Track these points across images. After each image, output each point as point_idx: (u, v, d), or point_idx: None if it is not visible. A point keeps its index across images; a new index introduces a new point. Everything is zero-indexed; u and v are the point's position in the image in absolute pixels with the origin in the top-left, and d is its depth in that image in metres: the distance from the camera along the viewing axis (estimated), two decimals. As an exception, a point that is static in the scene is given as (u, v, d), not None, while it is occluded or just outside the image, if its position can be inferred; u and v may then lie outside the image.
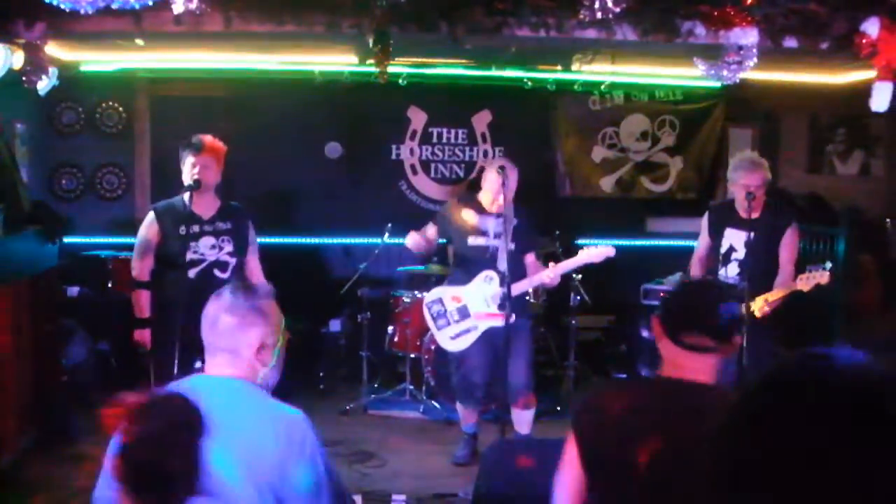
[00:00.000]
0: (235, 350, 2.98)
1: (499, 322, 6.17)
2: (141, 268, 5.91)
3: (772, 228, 6.11)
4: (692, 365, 2.83)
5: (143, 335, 5.86)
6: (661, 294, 6.43)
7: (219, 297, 3.05)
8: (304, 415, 2.94)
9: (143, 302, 5.88)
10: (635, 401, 2.85)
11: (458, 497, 6.05)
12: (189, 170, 5.80)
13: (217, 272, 5.85)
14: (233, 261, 5.95)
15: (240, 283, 3.12)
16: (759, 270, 6.01)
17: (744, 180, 6.00)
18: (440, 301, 6.65)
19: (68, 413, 6.79)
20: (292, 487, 2.76)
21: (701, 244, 6.54)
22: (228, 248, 5.93)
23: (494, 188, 6.39)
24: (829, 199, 9.69)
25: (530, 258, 6.62)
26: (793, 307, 5.99)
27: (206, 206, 5.93)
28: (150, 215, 5.94)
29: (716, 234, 6.36)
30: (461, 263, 6.62)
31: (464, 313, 6.54)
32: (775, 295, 5.89)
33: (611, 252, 6.38)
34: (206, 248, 5.86)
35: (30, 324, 6.46)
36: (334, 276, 9.19)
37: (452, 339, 6.57)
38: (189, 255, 5.78)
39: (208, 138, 5.93)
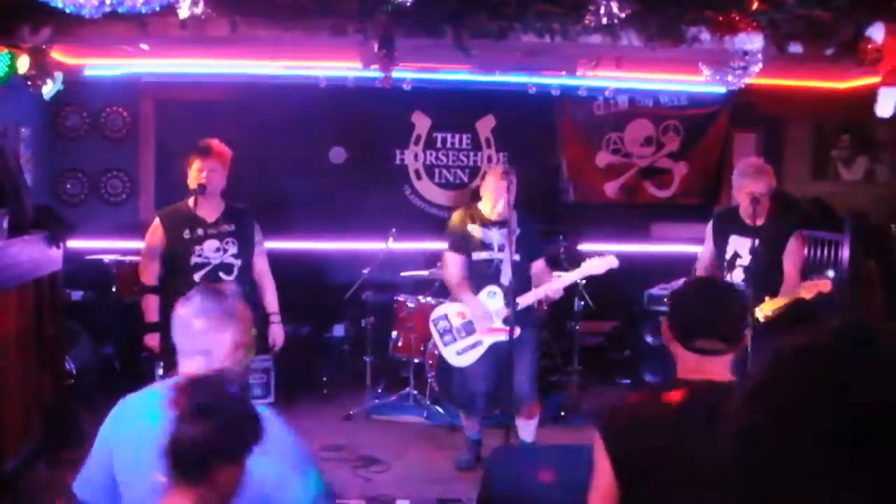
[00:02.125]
0: (209, 352, 3.02)
1: (504, 337, 6.19)
2: (148, 273, 5.96)
3: (776, 236, 6.08)
4: (706, 367, 2.87)
5: (153, 339, 5.89)
6: (667, 298, 6.47)
7: (188, 301, 3.11)
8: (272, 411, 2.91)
9: (151, 307, 5.93)
10: (669, 407, 2.86)
11: (462, 502, 6.05)
12: (196, 174, 5.82)
13: (222, 275, 5.88)
14: (238, 262, 5.96)
15: (207, 286, 3.15)
16: (764, 277, 5.99)
17: (749, 187, 5.96)
18: (446, 317, 6.66)
19: (73, 417, 6.79)
20: (290, 492, 2.80)
21: (705, 251, 6.51)
22: (233, 249, 5.95)
23: (495, 193, 6.39)
24: (834, 204, 9.68)
25: (539, 265, 6.61)
26: (799, 311, 5.98)
27: (211, 210, 5.96)
28: (155, 221, 5.99)
29: (720, 241, 6.33)
30: (468, 277, 6.58)
31: (469, 329, 6.55)
32: (779, 302, 5.87)
33: (614, 264, 6.38)
34: (211, 252, 5.88)
35: (34, 328, 6.46)
36: (338, 281, 9.18)
37: (459, 354, 6.59)
38: (193, 259, 5.83)
39: (215, 143, 5.96)
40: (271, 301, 6.20)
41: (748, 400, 1.12)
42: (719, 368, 2.87)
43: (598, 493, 2.90)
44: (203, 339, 3.03)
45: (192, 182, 5.84)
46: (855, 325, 1.09)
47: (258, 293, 6.13)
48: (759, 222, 5.97)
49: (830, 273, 5.83)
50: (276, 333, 6.23)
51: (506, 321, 6.20)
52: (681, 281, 8.05)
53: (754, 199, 5.90)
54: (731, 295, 3.05)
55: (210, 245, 5.89)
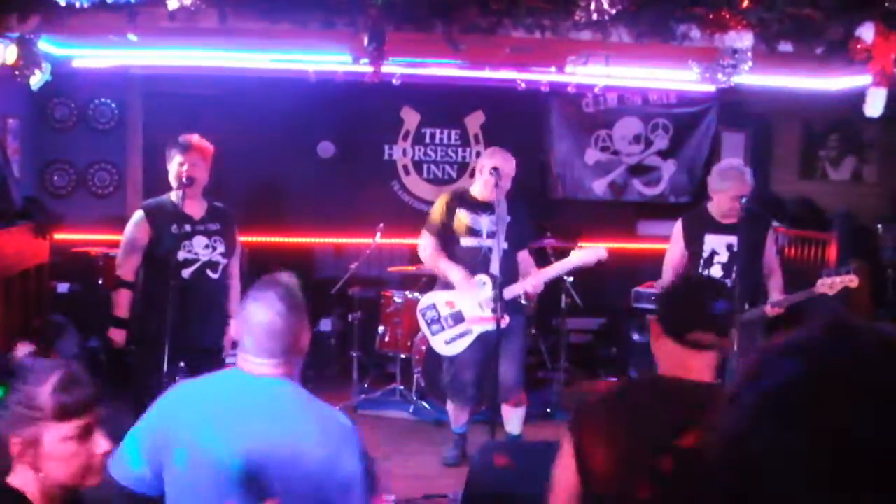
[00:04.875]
0: (289, 350, 2.99)
1: (493, 325, 6.17)
2: (127, 267, 5.81)
3: (753, 232, 6.19)
4: (695, 363, 2.84)
5: (119, 335, 5.78)
6: (655, 295, 6.45)
7: (263, 301, 2.98)
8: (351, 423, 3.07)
9: (123, 301, 5.78)
10: (644, 405, 2.85)
11: (448, 498, 6.05)
12: (176, 168, 5.73)
13: (209, 272, 5.80)
14: (224, 261, 5.90)
15: (279, 282, 3.05)
16: (746, 273, 6.10)
17: (735, 190, 6.07)
18: (434, 307, 6.62)
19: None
20: (339, 485, 2.89)
21: (674, 252, 6.56)
22: (221, 248, 5.88)
23: (487, 186, 6.40)
24: (821, 204, 9.70)
25: (522, 255, 6.61)
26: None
27: (196, 207, 5.87)
28: (139, 214, 5.83)
29: (693, 241, 6.40)
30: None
31: (458, 318, 6.52)
32: (791, 299, 5.98)
33: (603, 254, 6.38)
34: (200, 248, 5.80)
35: (20, 320, 6.44)
36: (325, 276, 9.17)
37: (447, 343, 6.55)
38: (183, 255, 5.71)
39: (196, 138, 5.88)
40: (236, 306, 6.10)
41: (734, 401, 1.11)
42: (705, 365, 2.85)
43: (560, 492, 2.88)
44: (290, 337, 2.98)
45: (174, 177, 5.76)
46: (840, 321, 1.09)
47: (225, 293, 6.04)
48: (733, 220, 6.09)
49: (851, 267, 5.88)
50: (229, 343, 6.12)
51: (494, 310, 6.18)
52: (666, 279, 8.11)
53: (742, 200, 5.98)
54: (721, 289, 3.08)
55: (199, 241, 5.80)
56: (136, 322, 5.82)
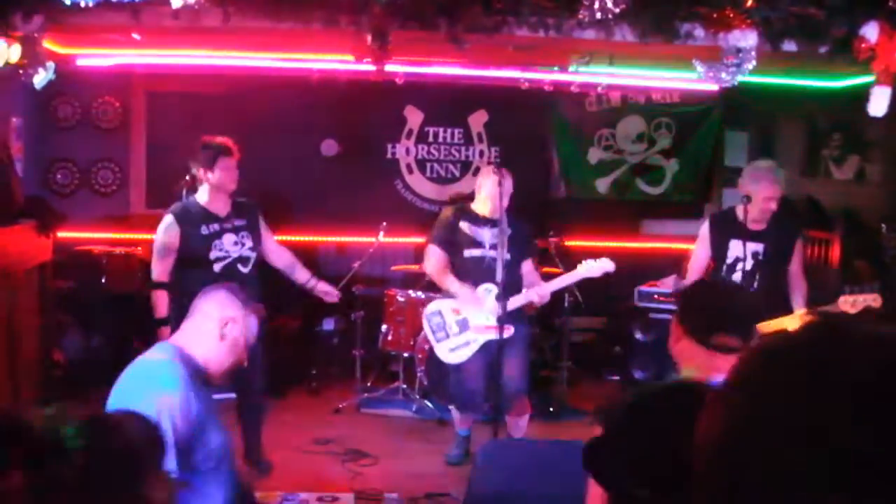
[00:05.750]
0: (201, 315, 3.66)
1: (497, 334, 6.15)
2: (161, 269, 5.97)
3: (781, 240, 6.02)
4: (720, 365, 2.80)
5: (164, 334, 5.85)
6: (680, 293, 6.33)
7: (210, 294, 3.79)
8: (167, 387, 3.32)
9: (162, 302, 5.94)
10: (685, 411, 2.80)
11: (451, 496, 6.05)
12: (228, 174, 6.04)
13: (240, 267, 6.01)
14: (253, 255, 6.12)
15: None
16: (770, 282, 5.96)
17: (767, 192, 5.85)
18: (439, 313, 6.60)
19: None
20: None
21: (700, 254, 6.30)
22: (249, 243, 6.11)
23: (492, 194, 6.34)
24: (824, 203, 9.69)
25: (527, 266, 6.59)
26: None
27: (221, 204, 6.09)
28: (169, 219, 5.99)
29: (718, 245, 6.15)
30: (459, 275, 6.52)
31: (463, 326, 6.50)
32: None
33: (610, 268, 6.33)
34: (230, 245, 6.02)
35: (23, 318, 6.44)
36: (328, 275, 9.14)
37: (451, 351, 6.52)
38: (214, 253, 5.95)
39: (227, 139, 6.18)
40: (303, 271, 6.47)
41: (726, 401, 1.11)
42: (728, 367, 2.82)
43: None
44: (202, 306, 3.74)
45: (228, 181, 6.05)
46: (835, 323, 1.08)
47: (289, 272, 6.45)
48: (762, 227, 5.93)
49: (875, 287, 5.67)
50: (327, 288, 6.54)
51: (498, 319, 6.15)
52: (671, 278, 8.08)
53: (770, 203, 5.81)
54: (750, 295, 3.05)
55: (228, 239, 6.02)
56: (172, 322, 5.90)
